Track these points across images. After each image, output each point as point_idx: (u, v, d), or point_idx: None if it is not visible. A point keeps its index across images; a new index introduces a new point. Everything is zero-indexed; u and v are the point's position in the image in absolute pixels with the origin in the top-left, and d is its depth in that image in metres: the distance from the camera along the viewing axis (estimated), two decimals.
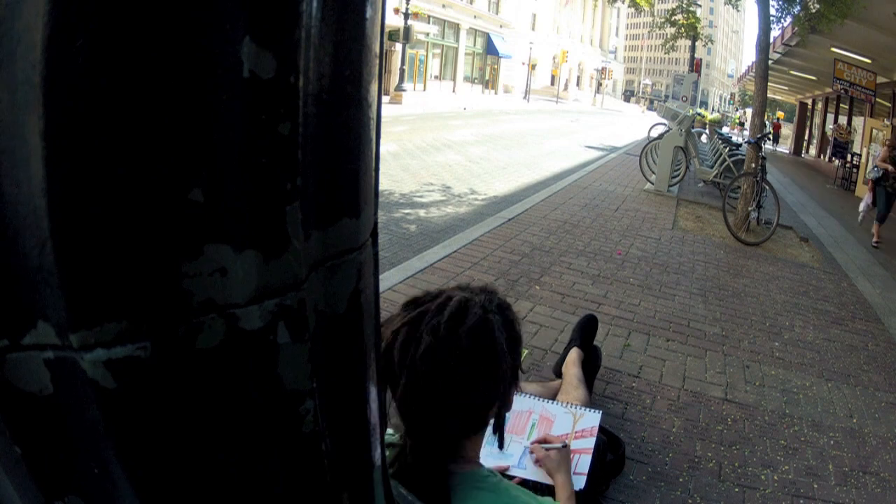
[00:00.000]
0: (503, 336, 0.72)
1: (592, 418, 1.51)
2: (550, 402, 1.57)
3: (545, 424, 1.50)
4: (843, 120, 13.64)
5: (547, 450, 1.30)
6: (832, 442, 2.16)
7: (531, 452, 1.33)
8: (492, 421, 0.77)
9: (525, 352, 2.28)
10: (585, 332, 2.06)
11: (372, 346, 0.35)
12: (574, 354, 1.93)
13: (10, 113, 0.22)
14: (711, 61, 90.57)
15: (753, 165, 5.44)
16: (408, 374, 0.68)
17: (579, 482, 1.36)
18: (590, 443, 1.45)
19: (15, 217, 0.23)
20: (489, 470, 0.77)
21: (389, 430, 0.81)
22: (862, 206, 6.89)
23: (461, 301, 0.72)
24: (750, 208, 5.40)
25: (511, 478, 1.25)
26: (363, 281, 0.32)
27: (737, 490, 1.79)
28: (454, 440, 0.73)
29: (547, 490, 1.26)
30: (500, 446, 0.78)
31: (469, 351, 0.68)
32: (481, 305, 0.72)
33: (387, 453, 0.73)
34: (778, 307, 3.61)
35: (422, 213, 4.92)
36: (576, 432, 1.48)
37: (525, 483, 1.27)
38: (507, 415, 0.79)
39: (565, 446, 1.33)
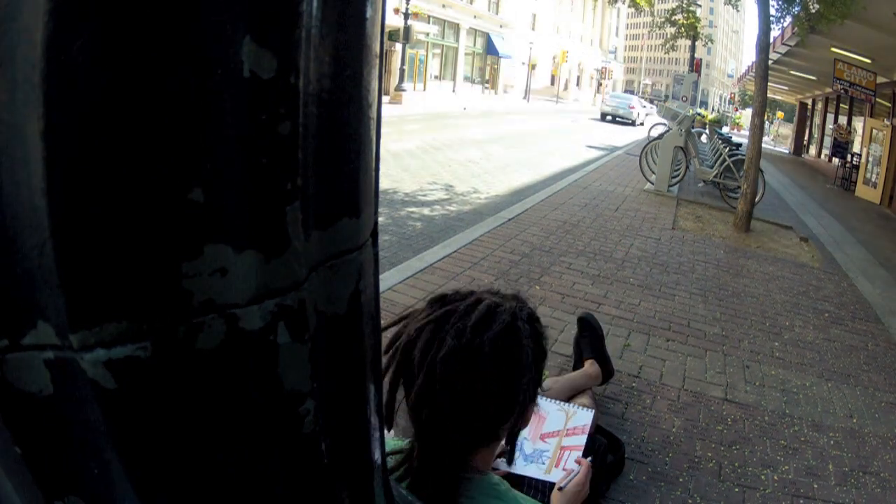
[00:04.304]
0: (530, 347, 0.69)
1: (585, 416, 1.52)
2: (543, 398, 1.57)
3: (537, 420, 1.50)
4: (843, 120, 13.64)
5: (561, 488, 1.21)
6: (832, 442, 2.16)
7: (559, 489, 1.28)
8: (505, 436, 0.75)
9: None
10: (596, 342, 2.04)
11: (372, 347, 0.35)
12: (593, 372, 1.91)
13: (10, 113, 0.22)
14: (711, 61, 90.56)
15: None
16: (426, 374, 0.66)
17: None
18: (581, 440, 1.46)
19: (15, 217, 0.23)
20: (499, 478, 0.76)
21: (396, 438, 0.80)
22: None
23: (490, 306, 0.69)
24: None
25: (510, 476, 1.25)
26: (363, 281, 0.32)
27: (737, 490, 1.79)
28: (465, 449, 0.71)
29: (543, 488, 1.26)
30: (510, 463, 0.75)
31: (492, 358, 0.66)
32: (511, 312, 0.70)
33: (393, 458, 0.72)
34: (778, 307, 3.61)
35: (425, 211, 4.93)
36: (567, 429, 1.48)
37: (520, 479, 1.27)
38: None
39: (571, 477, 1.25)
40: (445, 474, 0.69)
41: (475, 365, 0.65)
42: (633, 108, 22.86)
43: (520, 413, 0.70)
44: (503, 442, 0.76)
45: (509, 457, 0.75)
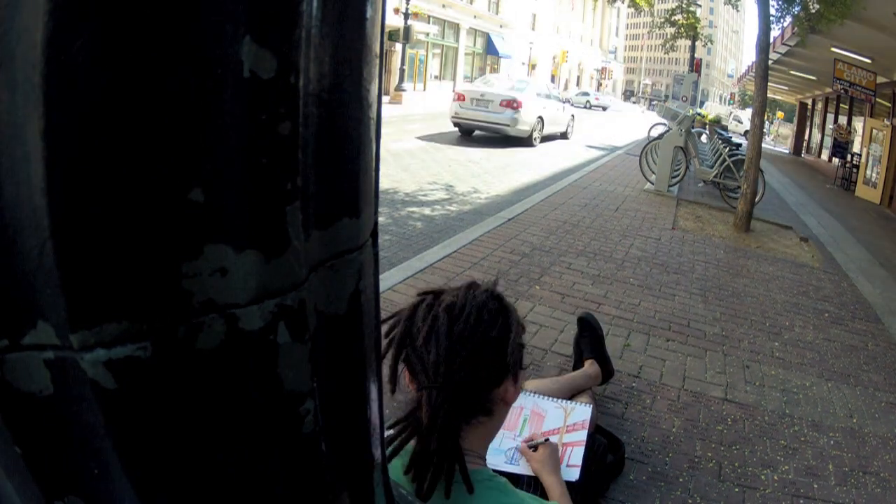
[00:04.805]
0: (513, 309, 0.81)
1: (583, 412, 1.53)
2: (541, 397, 1.58)
3: (536, 419, 1.51)
4: (843, 120, 13.64)
5: (531, 448, 1.30)
6: (832, 442, 2.16)
7: (521, 453, 1.33)
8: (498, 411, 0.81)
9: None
10: (596, 342, 2.04)
11: (372, 346, 0.35)
12: (593, 372, 1.92)
13: (10, 113, 0.22)
14: (711, 61, 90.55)
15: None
16: (430, 325, 0.75)
17: (574, 474, 1.37)
18: (582, 435, 1.46)
19: (15, 217, 0.23)
20: (494, 473, 0.80)
21: (389, 431, 0.82)
22: None
23: (471, 281, 0.83)
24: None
25: (503, 474, 1.26)
26: (363, 281, 0.32)
27: (737, 490, 1.79)
28: (471, 390, 0.76)
29: (540, 485, 1.27)
30: (515, 380, 0.81)
31: (485, 303, 0.77)
32: (490, 284, 0.83)
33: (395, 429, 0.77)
34: (778, 307, 3.61)
35: (425, 211, 4.93)
36: (567, 426, 1.49)
37: (518, 478, 1.27)
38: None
39: (547, 440, 1.32)
40: (452, 420, 0.74)
41: (471, 308, 0.76)
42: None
43: (517, 344, 0.78)
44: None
45: (516, 381, 0.83)
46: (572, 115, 12.30)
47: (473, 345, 0.74)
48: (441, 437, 0.73)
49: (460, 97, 10.10)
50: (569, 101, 14.84)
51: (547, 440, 1.33)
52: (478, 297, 0.78)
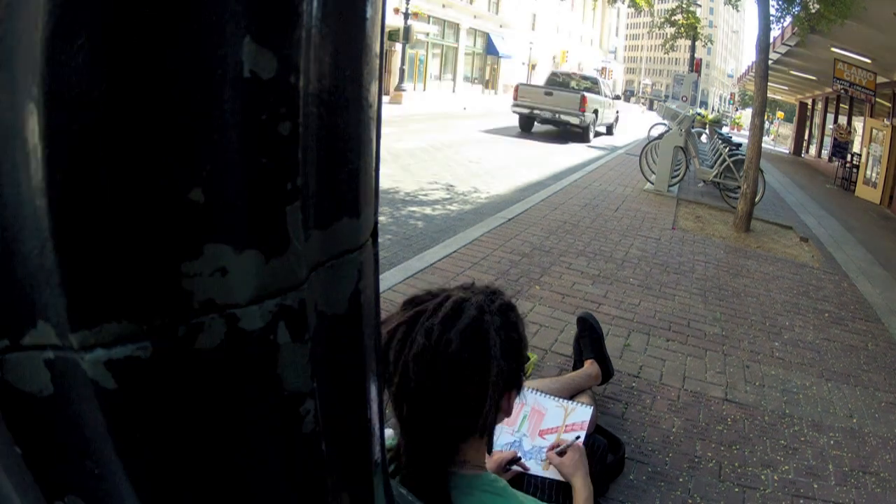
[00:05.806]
0: (498, 339, 0.70)
1: (583, 413, 1.52)
2: (543, 395, 1.58)
3: (536, 416, 1.50)
4: (843, 120, 13.64)
5: (560, 453, 1.28)
6: (832, 442, 2.16)
7: (548, 461, 1.30)
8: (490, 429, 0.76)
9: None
10: (595, 342, 2.04)
11: (372, 346, 0.35)
12: (594, 372, 1.91)
13: (10, 113, 0.22)
14: (711, 61, 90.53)
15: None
16: (401, 374, 0.69)
17: None
18: (579, 436, 1.46)
19: (15, 217, 0.23)
20: (496, 476, 0.77)
21: (389, 431, 0.81)
22: None
23: (457, 301, 0.72)
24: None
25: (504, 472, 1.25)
26: (363, 281, 0.32)
27: (737, 490, 1.79)
28: (447, 442, 0.72)
29: (542, 485, 1.26)
30: (489, 452, 0.77)
31: (458, 354, 0.68)
32: (478, 306, 0.72)
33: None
34: (778, 307, 3.61)
35: (425, 211, 4.93)
36: (566, 425, 1.49)
37: (520, 477, 1.27)
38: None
39: (578, 438, 1.29)
40: (432, 468, 0.71)
41: (444, 361, 0.67)
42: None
43: (493, 405, 0.71)
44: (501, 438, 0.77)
45: (488, 447, 0.76)
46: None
47: (449, 396, 0.68)
48: (424, 485, 0.70)
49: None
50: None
51: (578, 437, 1.29)
52: (453, 340, 0.67)
